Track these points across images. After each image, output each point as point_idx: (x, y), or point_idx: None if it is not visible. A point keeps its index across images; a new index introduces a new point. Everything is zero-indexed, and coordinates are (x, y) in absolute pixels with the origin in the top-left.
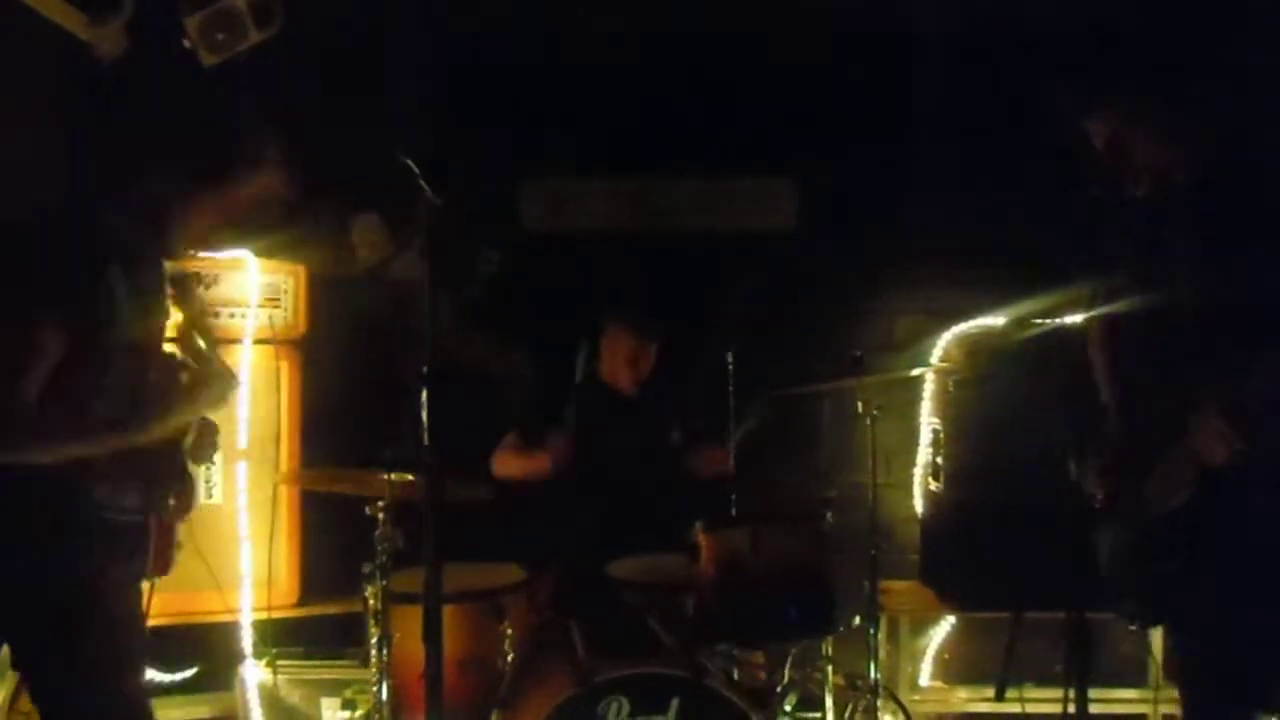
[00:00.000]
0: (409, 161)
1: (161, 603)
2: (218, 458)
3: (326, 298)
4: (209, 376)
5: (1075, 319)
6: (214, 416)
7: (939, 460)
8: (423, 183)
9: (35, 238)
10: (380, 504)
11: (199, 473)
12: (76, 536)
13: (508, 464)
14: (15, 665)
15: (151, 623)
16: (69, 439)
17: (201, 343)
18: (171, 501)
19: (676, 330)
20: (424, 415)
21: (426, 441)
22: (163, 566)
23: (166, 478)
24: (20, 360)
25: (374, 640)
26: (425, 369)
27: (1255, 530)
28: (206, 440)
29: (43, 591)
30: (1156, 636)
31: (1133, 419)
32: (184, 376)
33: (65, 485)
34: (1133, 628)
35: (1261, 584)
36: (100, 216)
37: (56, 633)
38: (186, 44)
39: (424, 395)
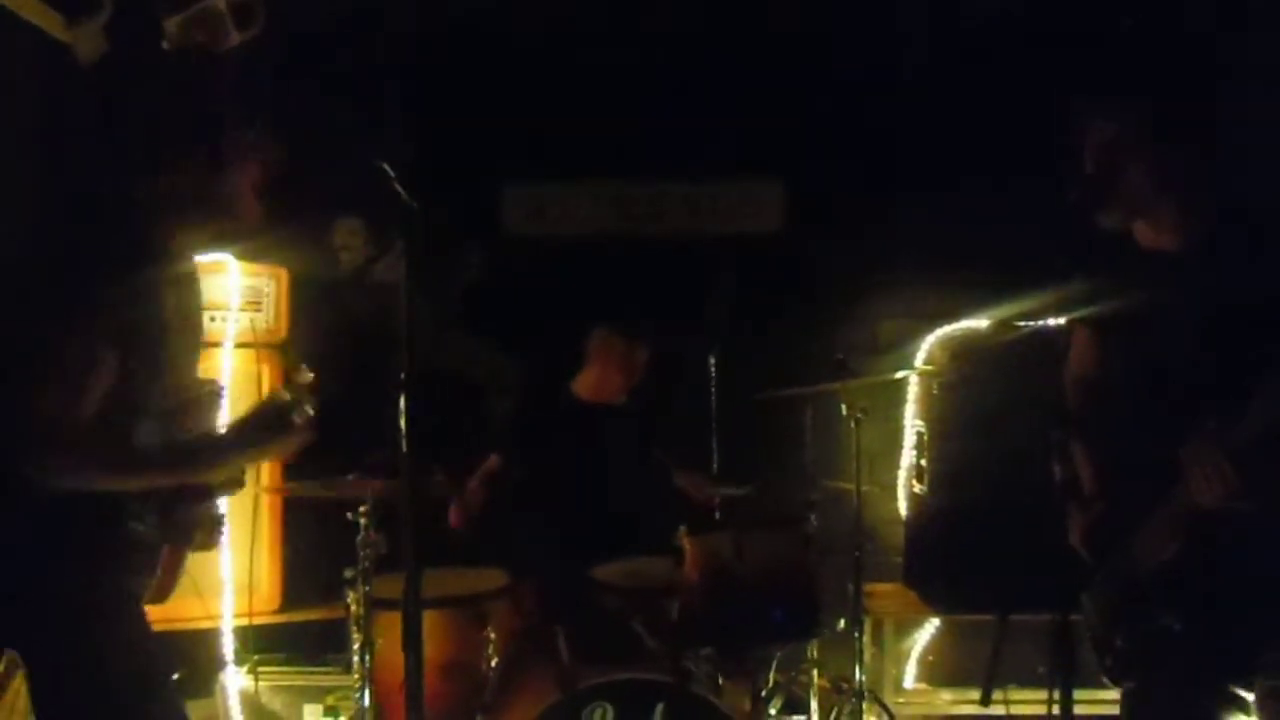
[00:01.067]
0: (384, 165)
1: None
2: None
3: (308, 301)
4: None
5: (1059, 321)
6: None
7: (923, 463)
8: (398, 186)
9: (81, 247)
10: (363, 509)
11: None
12: (102, 546)
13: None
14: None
15: None
16: (126, 469)
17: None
18: (197, 536)
19: (660, 333)
20: (403, 421)
21: (405, 447)
22: (161, 595)
23: (192, 505)
24: (81, 381)
25: (356, 646)
26: (404, 374)
27: (1253, 581)
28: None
29: (60, 601)
30: None
31: (1117, 466)
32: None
33: (100, 497)
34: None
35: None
36: (146, 225)
37: (72, 644)
38: (166, 45)
39: (402, 401)
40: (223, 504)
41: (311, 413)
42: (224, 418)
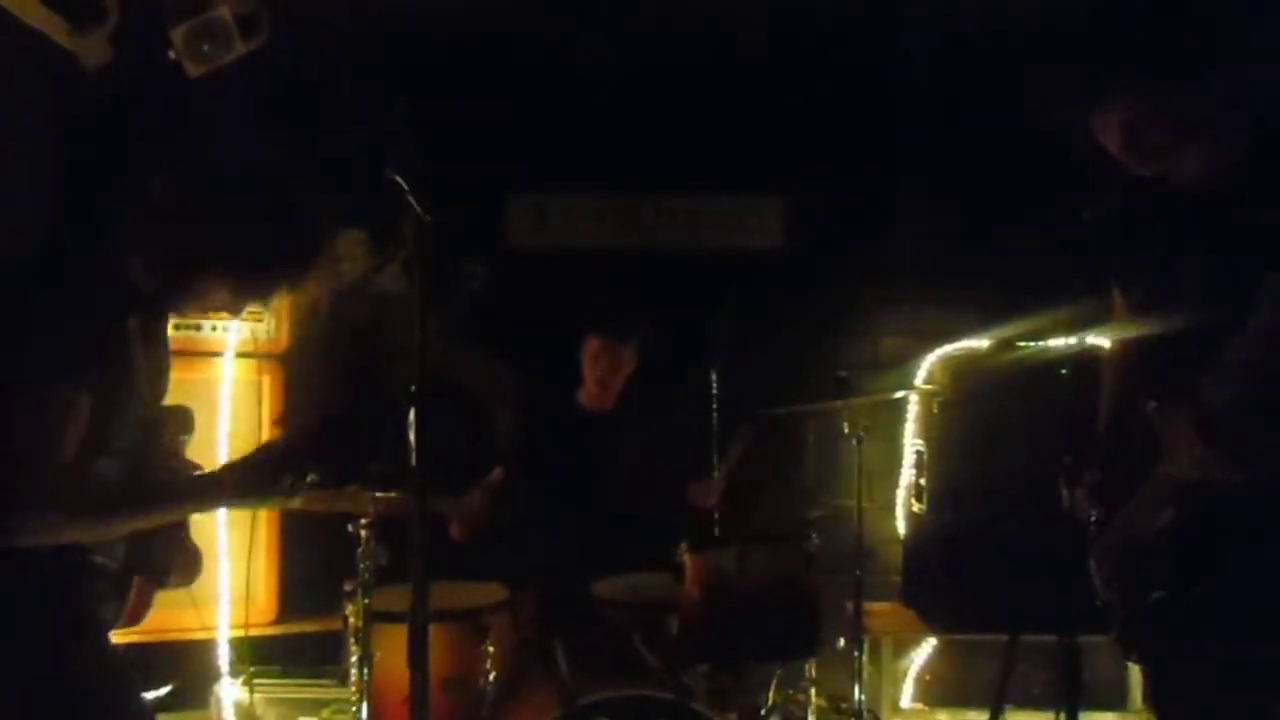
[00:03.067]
0: (398, 178)
1: None
2: None
3: (309, 311)
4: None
5: (1061, 342)
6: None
7: (922, 482)
8: (412, 200)
9: (54, 288)
10: (363, 521)
11: None
12: (64, 575)
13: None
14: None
15: (126, 639)
16: (102, 519)
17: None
18: (174, 577)
19: (662, 348)
20: (411, 434)
21: (415, 460)
22: (134, 619)
23: (156, 542)
24: (56, 428)
25: (354, 659)
26: (414, 387)
27: (1248, 551)
28: None
29: (30, 630)
30: None
31: (1124, 440)
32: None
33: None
34: (1130, 661)
35: (1253, 614)
36: (125, 270)
37: (43, 671)
38: (172, 54)
39: (411, 414)
40: (221, 514)
41: (312, 479)
42: (223, 425)
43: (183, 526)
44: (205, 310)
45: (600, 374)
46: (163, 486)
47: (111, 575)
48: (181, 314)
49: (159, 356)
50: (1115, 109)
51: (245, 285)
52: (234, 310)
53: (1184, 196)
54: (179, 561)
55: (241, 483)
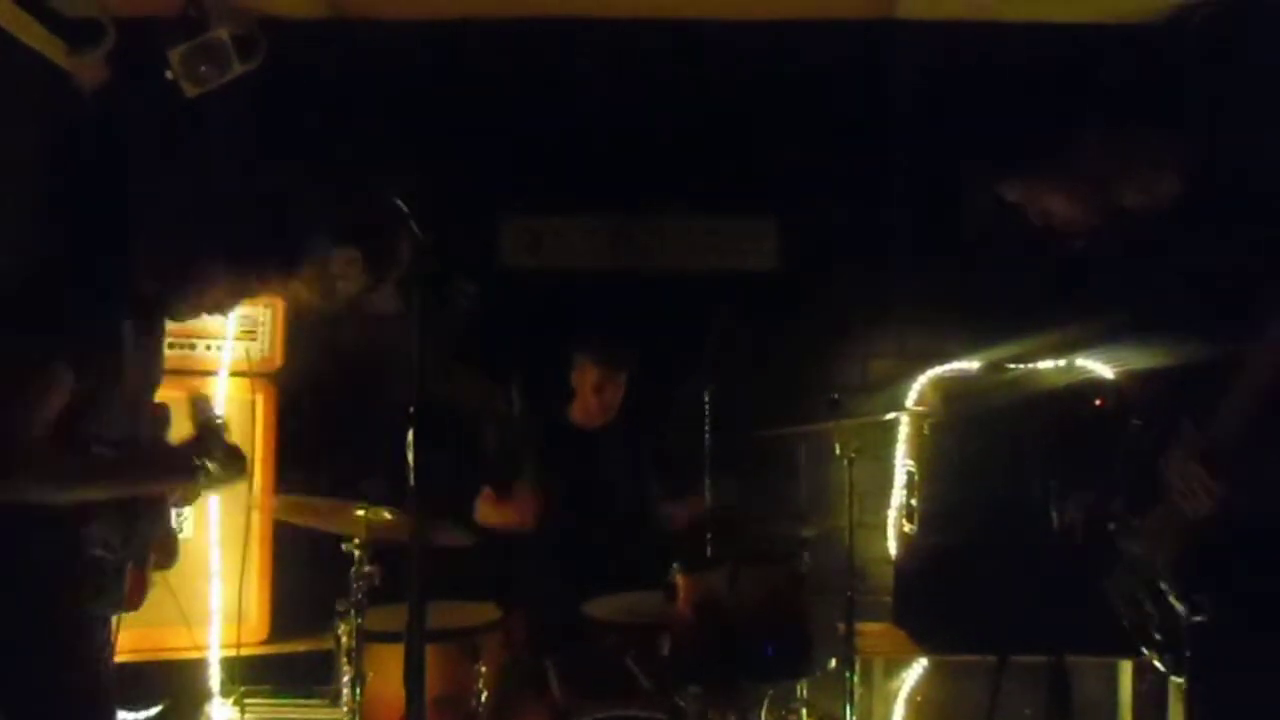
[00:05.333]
0: (399, 202)
1: (128, 638)
2: None
3: (303, 330)
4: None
5: (1049, 364)
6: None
7: (913, 502)
8: (413, 224)
9: (51, 286)
10: (356, 540)
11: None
12: (64, 571)
13: (488, 515)
14: None
15: (118, 658)
16: (74, 481)
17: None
18: (153, 556)
19: (653, 369)
20: (410, 454)
21: (413, 480)
22: (134, 604)
23: (149, 526)
24: (30, 397)
25: (346, 679)
26: (413, 408)
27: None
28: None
29: (29, 625)
30: (1125, 679)
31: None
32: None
33: (58, 522)
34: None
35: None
36: (118, 269)
37: (39, 667)
38: (169, 75)
39: (410, 434)
40: (214, 533)
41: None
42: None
43: (165, 509)
44: (199, 309)
45: (605, 400)
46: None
47: (109, 568)
48: (177, 316)
49: (153, 353)
50: (1013, 190)
51: (237, 283)
52: (225, 309)
53: (1163, 228)
54: (160, 544)
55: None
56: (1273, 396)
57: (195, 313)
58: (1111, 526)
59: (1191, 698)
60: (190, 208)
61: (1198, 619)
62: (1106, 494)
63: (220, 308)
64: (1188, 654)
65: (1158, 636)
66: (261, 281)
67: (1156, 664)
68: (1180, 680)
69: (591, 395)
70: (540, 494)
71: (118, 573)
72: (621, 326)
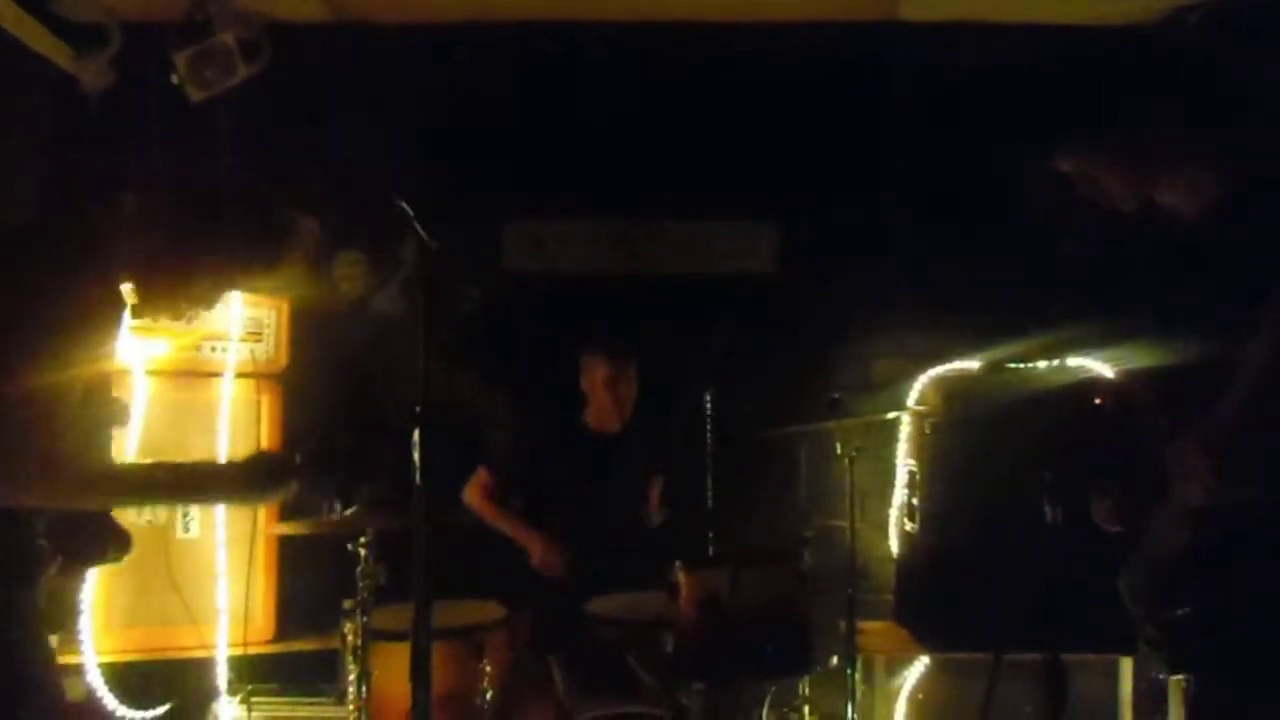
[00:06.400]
0: (404, 205)
1: (135, 637)
2: None
3: (308, 332)
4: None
5: (1049, 364)
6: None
7: (914, 501)
8: (418, 226)
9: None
10: (362, 540)
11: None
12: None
13: (480, 505)
14: None
15: (124, 658)
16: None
17: None
18: (111, 553)
19: (656, 371)
20: (416, 455)
21: (419, 481)
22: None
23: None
24: (54, 407)
25: (352, 677)
26: (418, 409)
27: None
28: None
29: None
30: (1126, 677)
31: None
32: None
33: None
34: (1164, 676)
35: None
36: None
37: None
38: (175, 79)
39: (415, 435)
40: (220, 533)
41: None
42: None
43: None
44: (181, 304)
45: (620, 394)
46: (173, 472)
47: (36, 554)
48: (159, 311)
49: (106, 345)
50: (1068, 160)
51: (221, 276)
52: (209, 303)
53: (1173, 228)
54: (103, 538)
55: (237, 479)
56: (1271, 383)
57: (175, 309)
58: (1114, 528)
59: (1191, 695)
60: (186, 206)
61: (1181, 613)
62: (1106, 492)
63: (205, 300)
64: (1176, 647)
65: (1155, 633)
66: (246, 273)
67: (1156, 661)
68: (1179, 678)
69: (605, 392)
70: (559, 547)
71: (39, 562)
72: (623, 329)
